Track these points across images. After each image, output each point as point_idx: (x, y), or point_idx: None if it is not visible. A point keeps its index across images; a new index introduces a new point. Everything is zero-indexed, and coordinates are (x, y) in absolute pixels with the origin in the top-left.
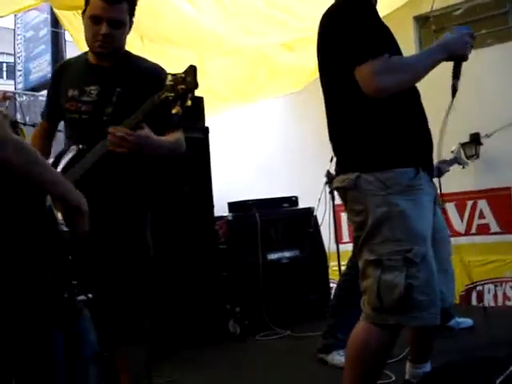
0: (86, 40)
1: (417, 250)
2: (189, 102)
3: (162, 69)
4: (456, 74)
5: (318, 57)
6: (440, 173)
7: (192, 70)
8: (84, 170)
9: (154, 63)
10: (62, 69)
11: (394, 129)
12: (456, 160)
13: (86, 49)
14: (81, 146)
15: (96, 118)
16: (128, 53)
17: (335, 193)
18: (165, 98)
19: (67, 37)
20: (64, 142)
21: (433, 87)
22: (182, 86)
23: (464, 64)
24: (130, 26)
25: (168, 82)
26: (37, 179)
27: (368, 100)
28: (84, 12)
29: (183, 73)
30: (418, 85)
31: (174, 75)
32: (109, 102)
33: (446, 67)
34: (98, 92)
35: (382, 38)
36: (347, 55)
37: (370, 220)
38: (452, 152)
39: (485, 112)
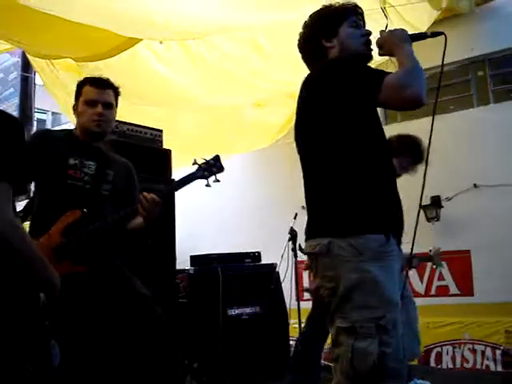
0: (83, 124)
1: (389, 316)
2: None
3: (131, 163)
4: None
5: (297, 121)
6: (410, 264)
7: (218, 158)
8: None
9: (124, 159)
10: (48, 136)
11: (366, 195)
12: (431, 259)
13: (56, 93)
14: (85, 210)
15: (96, 190)
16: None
17: (298, 250)
18: (201, 175)
19: (37, 80)
20: (46, 205)
21: None
22: (214, 169)
23: (426, 128)
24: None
25: (203, 165)
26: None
27: (342, 166)
28: (77, 104)
29: (212, 159)
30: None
31: (207, 161)
32: (105, 179)
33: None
34: (95, 168)
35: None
36: (353, 99)
37: (341, 286)
38: (429, 251)
39: (446, 176)
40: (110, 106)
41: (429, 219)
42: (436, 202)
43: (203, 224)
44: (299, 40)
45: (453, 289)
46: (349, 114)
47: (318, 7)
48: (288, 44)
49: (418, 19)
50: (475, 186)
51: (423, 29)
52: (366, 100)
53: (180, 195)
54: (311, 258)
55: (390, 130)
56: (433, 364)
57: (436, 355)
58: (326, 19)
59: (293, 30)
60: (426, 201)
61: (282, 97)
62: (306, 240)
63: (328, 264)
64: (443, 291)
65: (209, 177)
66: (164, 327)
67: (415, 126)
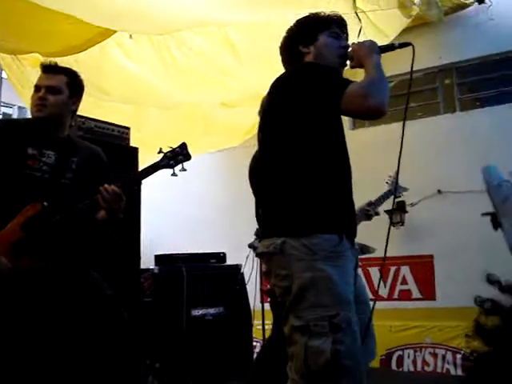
0: (30, 109)
1: (343, 315)
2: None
3: (100, 149)
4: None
5: (262, 119)
6: (368, 216)
7: (185, 145)
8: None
9: (94, 145)
10: (9, 126)
11: (320, 196)
12: (390, 193)
13: (21, 90)
14: (45, 203)
15: (55, 180)
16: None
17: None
18: (167, 164)
19: (3, 74)
20: (4, 196)
21: (367, 155)
22: (180, 157)
23: (395, 135)
24: (75, 105)
25: (168, 154)
26: None
27: (297, 167)
28: None
29: (178, 147)
30: (351, 154)
31: (173, 150)
32: (68, 168)
33: (378, 138)
34: (55, 158)
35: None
36: (318, 103)
37: (295, 285)
38: (387, 183)
39: (411, 181)
40: (56, 91)
41: (393, 224)
42: (401, 207)
43: (168, 223)
44: (280, 44)
45: (415, 293)
46: (310, 117)
47: (288, 10)
48: (260, 44)
49: (388, 26)
50: (439, 191)
51: (393, 36)
52: (327, 106)
53: (145, 192)
54: (264, 257)
55: (358, 135)
56: (394, 367)
57: (397, 358)
58: (306, 25)
59: (265, 29)
60: (391, 205)
61: (252, 98)
62: (260, 240)
63: (281, 263)
64: (406, 295)
65: (175, 166)
66: (126, 327)
67: (383, 132)
